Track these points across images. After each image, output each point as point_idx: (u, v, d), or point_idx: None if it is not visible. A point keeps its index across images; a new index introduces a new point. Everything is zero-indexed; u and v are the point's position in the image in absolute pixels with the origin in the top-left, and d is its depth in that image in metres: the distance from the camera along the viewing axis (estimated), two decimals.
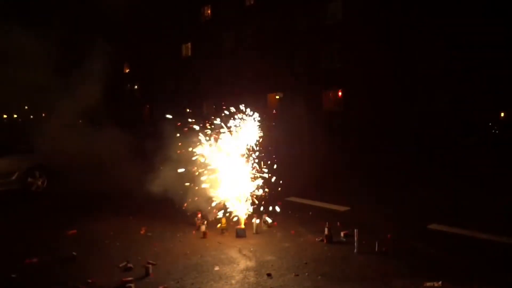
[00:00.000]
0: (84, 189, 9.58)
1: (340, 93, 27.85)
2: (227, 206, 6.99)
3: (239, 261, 5.52)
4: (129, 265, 5.25)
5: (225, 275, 5.05)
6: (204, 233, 6.54)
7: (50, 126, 10.67)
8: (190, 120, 7.10)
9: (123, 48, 41.62)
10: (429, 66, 22.95)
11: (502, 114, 23.18)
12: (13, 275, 4.99)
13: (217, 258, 5.61)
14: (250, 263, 5.45)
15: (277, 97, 32.29)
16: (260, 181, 7.06)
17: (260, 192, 7.07)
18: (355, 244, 5.80)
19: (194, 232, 6.77)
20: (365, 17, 25.02)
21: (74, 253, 5.66)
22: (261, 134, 6.99)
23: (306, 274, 5.06)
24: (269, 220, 7.05)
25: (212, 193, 6.96)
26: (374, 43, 24.21)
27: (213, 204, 6.96)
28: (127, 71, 47.71)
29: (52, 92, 10.45)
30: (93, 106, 10.99)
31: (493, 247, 6.00)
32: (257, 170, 7.05)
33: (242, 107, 6.91)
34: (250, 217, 6.94)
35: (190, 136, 7.07)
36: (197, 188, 7.04)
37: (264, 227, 6.91)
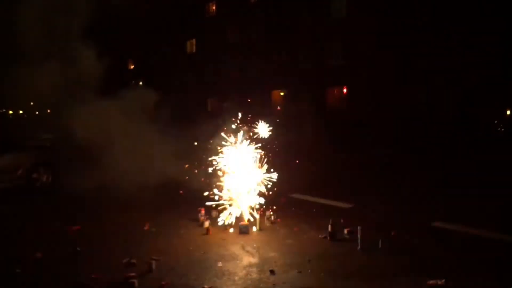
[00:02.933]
0: (88, 185, 9.58)
1: (344, 90, 27.76)
2: (231, 203, 6.99)
3: (242, 258, 5.53)
4: (132, 260, 5.27)
5: (228, 271, 5.05)
6: (207, 230, 6.54)
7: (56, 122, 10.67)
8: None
9: (128, 44, 41.67)
10: (433, 63, 22.81)
11: (508, 112, 23.00)
12: (17, 270, 5.02)
13: (220, 255, 5.61)
14: (253, 260, 5.45)
15: (282, 94, 32.25)
16: (264, 178, 7.05)
17: (264, 188, 7.06)
18: (359, 241, 5.79)
19: (200, 222, 6.77)
20: (369, 14, 24.90)
21: (78, 248, 5.68)
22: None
23: (309, 271, 5.05)
24: (273, 217, 7.05)
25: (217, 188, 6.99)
26: (379, 40, 24.10)
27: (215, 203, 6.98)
28: (132, 67, 47.78)
29: (57, 89, 10.46)
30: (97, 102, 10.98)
31: (498, 245, 5.97)
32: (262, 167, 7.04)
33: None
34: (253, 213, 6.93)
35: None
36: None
37: (268, 224, 6.90)
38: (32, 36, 9.66)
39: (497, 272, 5.02)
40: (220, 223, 6.72)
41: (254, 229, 6.66)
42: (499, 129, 21.96)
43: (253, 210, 6.95)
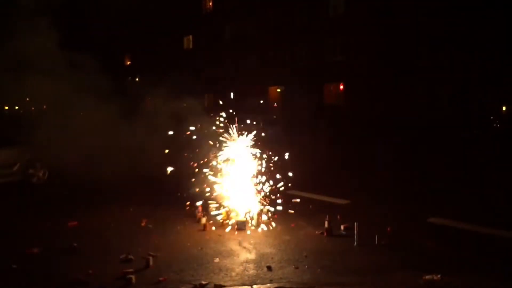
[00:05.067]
0: (85, 181, 9.57)
1: (341, 87, 27.76)
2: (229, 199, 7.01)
3: (239, 254, 5.54)
4: (130, 256, 5.27)
5: (225, 267, 5.06)
6: (205, 226, 6.55)
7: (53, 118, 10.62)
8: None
9: (124, 40, 41.49)
10: (431, 60, 22.85)
11: (504, 108, 23.08)
12: (14, 266, 5.01)
13: (217, 251, 5.63)
14: (250, 256, 5.46)
15: (278, 90, 32.21)
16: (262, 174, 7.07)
17: (262, 185, 7.07)
18: (355, 237, 5.81)
19: (196, 220, 6.78)
20: (367, 10, 24.88)
21: (75, 244, 5.67)
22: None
23: (306, 266, 5.07)
24: (270, 213, 7.06)
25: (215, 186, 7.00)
26: (376, 36, 24.10)
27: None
28: (128, 63, 47.62)
29: (54, 85, 10.42)
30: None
31: (493, 241, 6.01)
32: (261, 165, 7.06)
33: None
34: (250, 210, 6.94)
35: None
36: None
37: (265, 220, 6.91)
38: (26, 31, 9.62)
39: (492, 267, 5.05)
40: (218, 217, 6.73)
41: (251, 225, 6.67)
42: (495, 125, 22.04)
43: (250, 206, 6.96)
